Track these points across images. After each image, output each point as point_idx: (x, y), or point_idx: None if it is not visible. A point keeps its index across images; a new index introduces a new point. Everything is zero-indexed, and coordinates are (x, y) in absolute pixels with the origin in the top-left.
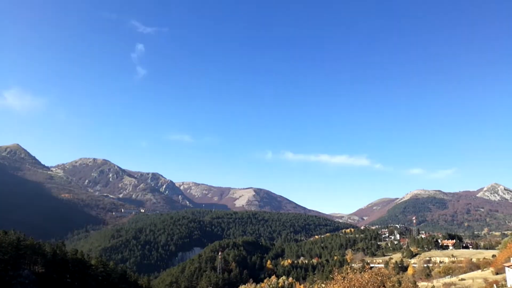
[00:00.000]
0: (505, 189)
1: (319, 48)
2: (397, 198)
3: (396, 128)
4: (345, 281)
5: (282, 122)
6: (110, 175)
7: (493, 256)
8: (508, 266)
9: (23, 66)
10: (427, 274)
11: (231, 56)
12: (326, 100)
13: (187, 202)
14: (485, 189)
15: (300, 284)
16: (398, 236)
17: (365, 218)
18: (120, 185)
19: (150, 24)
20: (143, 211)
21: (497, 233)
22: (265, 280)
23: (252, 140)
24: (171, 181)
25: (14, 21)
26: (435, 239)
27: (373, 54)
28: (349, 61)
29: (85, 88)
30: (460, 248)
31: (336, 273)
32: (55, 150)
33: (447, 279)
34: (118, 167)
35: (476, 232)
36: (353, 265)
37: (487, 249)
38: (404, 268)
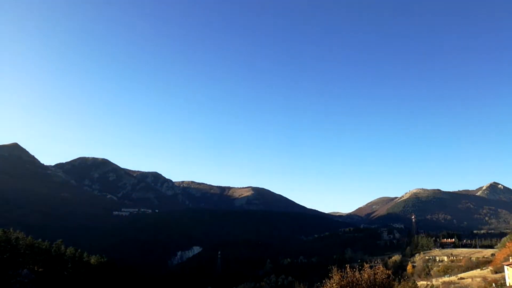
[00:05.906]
0: (504, 188)
1: None
2: (397, 197)
3: (395, 127)
4: (344, 280)
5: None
6: (110, 174)
7: (492, 255)
8: (507, 265)
9: (23, 63)
10: (427, 273)
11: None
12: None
13: (187, 201)
14: (484, 188)
15: (299, 283)
16: (397, 235)
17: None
18: (119, 184)
19: None
20: (142, 210)
21: (496, 232)
22: (265, 279)
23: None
24: (170, 180)
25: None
26: (434, 238)
27: None
28: None
29: (84, 86)
30: (459, 247)
31: (335, 272)
32: (54, 149)
33: (446, 278)
34: (117, 166)
35: (475, 231)
36: (352, 264)
37: (486, 248)
38: (404, 267)
